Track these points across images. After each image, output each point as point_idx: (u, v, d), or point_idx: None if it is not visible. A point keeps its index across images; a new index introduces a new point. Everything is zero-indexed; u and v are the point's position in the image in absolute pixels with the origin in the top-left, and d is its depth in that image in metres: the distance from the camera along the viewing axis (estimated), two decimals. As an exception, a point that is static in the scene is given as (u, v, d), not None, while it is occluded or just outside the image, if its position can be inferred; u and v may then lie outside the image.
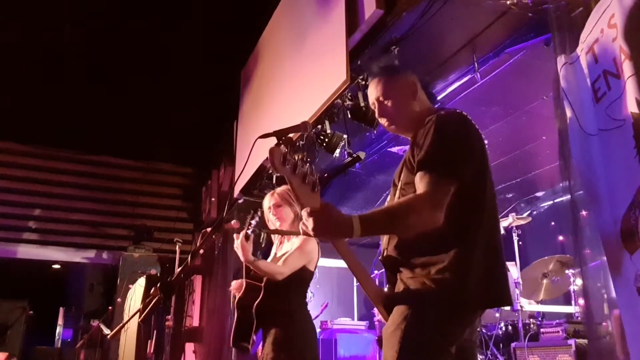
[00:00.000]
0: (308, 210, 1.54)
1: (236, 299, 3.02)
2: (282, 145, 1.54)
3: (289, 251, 2.96)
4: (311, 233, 1.56)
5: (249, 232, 2.86)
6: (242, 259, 2.86)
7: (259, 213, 3.02)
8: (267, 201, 3.12)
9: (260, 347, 2.95)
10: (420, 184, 1.64)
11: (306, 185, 1.56)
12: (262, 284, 2.91)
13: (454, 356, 1.63)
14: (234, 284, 3.13)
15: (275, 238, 3.25)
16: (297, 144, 4.52)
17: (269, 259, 3.13)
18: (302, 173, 1.54)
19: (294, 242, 3.00)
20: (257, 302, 2.87)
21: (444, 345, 1.62)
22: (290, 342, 2.82)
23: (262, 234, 3.00)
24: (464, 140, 1.72)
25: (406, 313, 1.64)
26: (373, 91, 1.96)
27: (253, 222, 2.93)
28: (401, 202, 1.65)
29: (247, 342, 2.90)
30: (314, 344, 2.95)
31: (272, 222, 3.10)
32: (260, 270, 2.88)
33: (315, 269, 3.04)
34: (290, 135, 1.65)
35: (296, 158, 1.55)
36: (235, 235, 2.91)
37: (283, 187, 3.12)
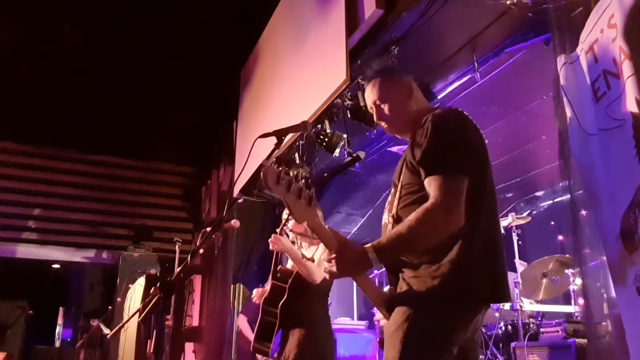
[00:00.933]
0: (330, 257, 1.65)
1: (261, 300, 3.08)
2: (276, 164, 1.58)
3: (318, 253, 3.03)
4: (336, 275, 1.66)
5: (285, 229, 2.99)
6: (289, 254, 2.95)
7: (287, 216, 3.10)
8: (285, 213, 3.20)
9: (276, 351, 2.99)
10: (430, 189, 1.64)
11: (302, 201, 1.60)
12: (287, 286, 2.97)
13: (455, 356, 1.63)
14: (256, 292, 3.19)
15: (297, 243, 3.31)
16: (297, 144, 4.52)
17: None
18: (297, 189, 1.58)
19: (320, 247, 3.06)
20: (282, 302, 2.94)
21: (446, 345, 1.62)
22: (313, 343, 2.90)
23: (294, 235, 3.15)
24: (461, 136, 1.72)
25: (408, 313, 1.64)
26: (369, 95, 1.98)
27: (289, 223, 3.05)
28: (411, 220, 1.62)
29: (268, 343, 2.95)
30: (333, 346, 3.07)
31: (288, 232, 3.19)
32: (304, 268, 2.94)
33: None
34: (287, 137, 1.67)
35: (290, 175, 1.58)
36: (270, 239, 2.99)
37: None
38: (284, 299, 2.95)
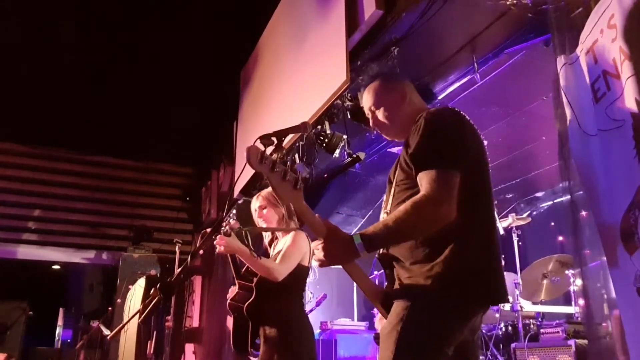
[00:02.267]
0: (319, 243, 1.61)
1: (227, 303, 2.94)
2: (260, 143, 1.55)
3: (282, 249, 2.86)
4: (325, 262, 1.62)
5: (224, 229, 2.73)
6: (240, 256, 2.76)
7: (233, 212, 2.92)
8: (253, 204, 3.07)
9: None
10: (422, 183, 1.64)
11: (287, 182, 1.56)
12: (253, 284, 2.83)
13: (451, 357, 1.62)
14: (230, 291, 3.01)
15: (265, 238, 3.19)
16: (297, 144, 4.52)
17: None
18: (282, 170, 1.54)
19: (286, 240, 2.91)
20: (247, 303, 2.79)
21: (440, 346, 1.61)
22: (286, 345, 2.72)
23: (244, 232, 2.96)
24: (455, 133, 1.71)
25: (402, 314, 1.63)
26: (365, 101, 1.99)
27: (232, 220, 2.83)
28: (399, 210, 1.62)
29: (246, 345, 2.82)
30: (311, 345, 2.85)
31: (259, 224, 3.03)
32: (257, 268, 2.77)
33: (309, 263, 2.93)
34: (288, 138, 1.66)
35: (275, 157, 1.55)
36: (215, 241, 2.76)
37: (268, 189, 3.02)
38: (250, 300, 2.79)
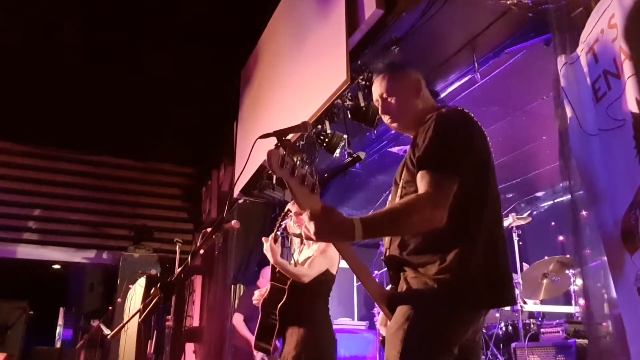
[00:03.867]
0: (309, 214, 1.53)
1: (261, 301, 3.10)
2: (281, 147, 1.54)
3: (311, 256, 3.03)
4: (313, 237, 1.56)
5: (278, 233, 2.97)
6: (271, 260, 2.97)
7: (290, 215, 3.08)
8: (290, 207, 3.19)
9: (281, 351, 2.99)
10: (421, 183, 1.64)
11: (305, 187, 1.54)
12: (286, 286, 2.98)
13: (456, 356, 1.63)
14: (256, 294, 3.21)
15: (295, 244, 3.31)
16: (297, 144, 4.52)
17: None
18: (301, 175, 1.53)
19: (314, 247, 3.08)
20: (281, 303, 2.94)
21: (446, 345, 1.62)
22: (312, 343, 2.89)
23: (290, 236, 3.11)
24: (464, 137, 1.72)
25: (408, 313, 1.64)
26: (377, 88, 1.96)
27: (283, 223, 3.01)
28: (402, 203, 1.64)
29: (269, 345, 2.96)
30: (333, 347, 3.03)
31: (293, 229, 3.17)
32: (288, 272, 2.97)
33: (336, 273, 3.13)
34: (289, 137, 1.64)
35: (295, 160, 1.54)
36: (264, 238, 3.03)
37: None
38: (283, 300, 2.95)
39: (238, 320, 5.17)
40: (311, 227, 1.53)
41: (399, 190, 1.81)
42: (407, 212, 1.60)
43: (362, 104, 3.94)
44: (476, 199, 1.67)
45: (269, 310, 3.02)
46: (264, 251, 3.02)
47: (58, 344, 8.88)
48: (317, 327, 2.97)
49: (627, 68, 1.82)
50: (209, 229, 2.45)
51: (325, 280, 3.06)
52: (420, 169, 1.67)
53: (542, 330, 3.84)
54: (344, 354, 5.30)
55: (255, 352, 3.77)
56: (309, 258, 3.05)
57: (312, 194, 1.56)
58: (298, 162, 1.54)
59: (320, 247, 3.04)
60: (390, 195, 1.90)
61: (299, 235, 3.19)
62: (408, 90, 1.92)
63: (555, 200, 6.09)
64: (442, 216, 1.59)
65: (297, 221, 3.10)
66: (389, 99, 1.92)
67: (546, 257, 4.38)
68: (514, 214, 4.62)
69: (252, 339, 3.28)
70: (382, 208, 1.69)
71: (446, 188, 1.61)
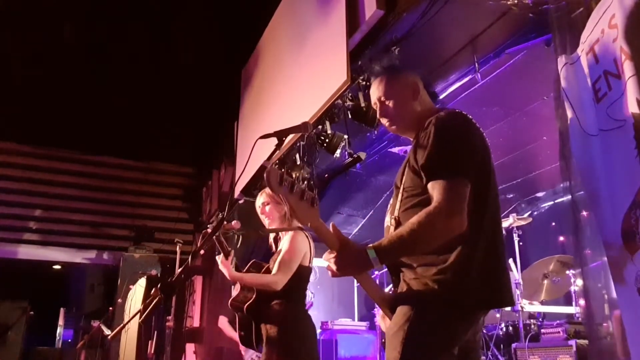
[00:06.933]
0: (332, 256, 1.64)
1: (230, 302, 2.99)
2: (278, 166, 1.58)
3: (280, 253, 2.89)
4: (337, 274, 1.65)
5: (229, 249, 2.88)
6: (228, 278, 2.87)
7: (218, 215, 3.02)
8: (257, 200, 3.13)
9: None
10: (433, 193, 1.63)
11: (304, 201, 1.58)
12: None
13: (456, 357, 1.63)
14: (233, 290, 3.09)
15: (270, 236, 3.24)
16: (297, 144, 4.52)
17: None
18: (300, 191, 1.57)
19: (285, 240, 2.93)
20: (247, 303, 2.84)
21: (446, 346, 1.62)
22: (284, 343, 2.75)
23: (236, 236, 3.04)
24: (466, 140, 1.71)
25: (409, 314, 1.64)
26: (375, 91, 1.96)
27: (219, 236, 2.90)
28: (413, 222, 1.61)
29: (252, 343, 2.89)
30: (311, 345, 2.87)
31: (263, 221, 3.10)
32: (253, 285, 2.86)
33: (310, 262, 2.96)
34: (289, 138, 1.66)
35: (293, 176, 1.58)
36: (217, 257, 2.92)
37: None
38: (251, 299, 2.83)
39: (223, 322, 5.14)
40: (333, 266, 1.63)
41: (400, 195, 1.81)
42: (423, 230, 1.59)
43: (363, 105, 3.94)
44: (477, 201, 1.67)
45: (242, 311, 2.90)
46: (220, 269, 2.91)
47: (58, 345, 8.87)
48: (290, 326, 2.79)
49: (627, 68, 1.81)
50: (209, 230, 2.45)
51: (298, 275, 2.86)
52: (429, 179, 1.66)
53: (542, 330, 3.84)
54: (344, 354, 5.30)
55: (243, 349, 3.74)
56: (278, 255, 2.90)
57: (312, 208, 1.60)
58: (296, 179, 1.58)
59: (288, 241, 2.87)
60: (392, 199, 1.89)
61: (271, 230, 3.11)
62: (405, 93, 1.91)
63: (556, 201, 6.09)
64: (459, 223, 1.59)
65: (264, 212, 3.03)
66: (387, 102, 1.92)
67: (546, 258, 4.38)
68: (514, 214, 4.61)
69: (237, 337, 3.19)
70: (397, 232, 1.65)
71: (459, 194, 1.61)
